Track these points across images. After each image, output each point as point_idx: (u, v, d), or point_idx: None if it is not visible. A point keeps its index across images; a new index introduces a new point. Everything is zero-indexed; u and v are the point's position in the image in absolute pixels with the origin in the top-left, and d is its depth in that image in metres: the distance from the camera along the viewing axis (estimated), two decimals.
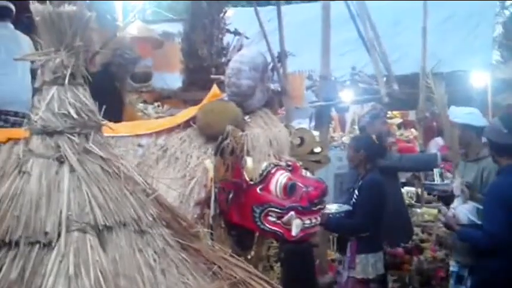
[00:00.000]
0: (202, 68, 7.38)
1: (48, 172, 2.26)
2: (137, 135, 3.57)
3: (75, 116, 2.31)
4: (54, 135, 2.30)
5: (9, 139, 3.81)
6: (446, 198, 5.09)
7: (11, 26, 5.72)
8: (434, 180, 4.54)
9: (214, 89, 3.66)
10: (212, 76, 4.83)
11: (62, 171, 2.26)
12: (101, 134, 2.42)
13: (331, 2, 6.85)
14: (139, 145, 3.53)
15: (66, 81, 2.31)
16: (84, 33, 2.37)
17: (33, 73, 5.23)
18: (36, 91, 2.46)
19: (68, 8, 2.36)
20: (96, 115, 2.40)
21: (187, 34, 7.52)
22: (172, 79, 7.65)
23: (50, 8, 2.32)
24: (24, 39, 5.64)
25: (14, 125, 5.20)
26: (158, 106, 7.13)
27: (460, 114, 4.87)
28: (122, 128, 3.56)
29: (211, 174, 3.19)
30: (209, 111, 3.39)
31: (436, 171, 4.57)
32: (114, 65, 5.79)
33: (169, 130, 3.57)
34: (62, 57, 2.33)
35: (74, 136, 2.30)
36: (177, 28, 8.46)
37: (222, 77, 3.65)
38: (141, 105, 6.93)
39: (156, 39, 7.61)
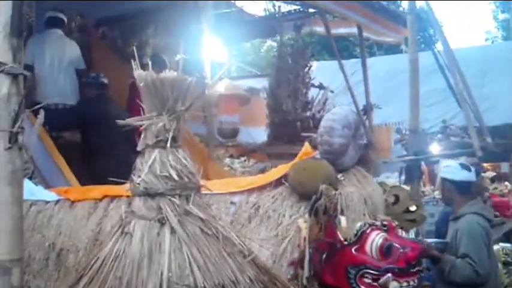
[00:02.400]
0: (287, 122, 7.41)
1: (150, 233, 2.31)
2: (230, 193, 3.60)
3: (176, 178, 2.36)
4: (155, 197, 2.36)
5: (105, 196, 3.97)
6: None
7: (60, 32, 6.68)
8: None
9: (306, 147, 3.66)
10: (303, 134, 4.83)
11: (163, 233, 2.31)
12: (200, 195, 2.46)
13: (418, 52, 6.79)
14: (232, 203, 3.56)
15: (168, 144, 2.38)
16: (185, 97, 2.45)
17: (78, 73, 6.56)
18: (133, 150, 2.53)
19: (169, 73, 2.45)
20: (195, 176, 2.45)
21: (272, 89, 7.60)
22: (258, 133, 7.74)
23: (153, 75, 2.42)
24: (72, 44, 6.77)
25: (62, 112, 6.32)
26: (244, 161, 7.21)
27: (440, 167, 4.60)
28: (215, 186, 3.60)
29: (304, 233, 3.15)
30: (301, 170, 3.38)
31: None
32: None
33: (261, 188, 3.58)
34: (164, 121, 2.41)
35: (175, 198, 2.36)
36: (261, 83, 8.60)
37: (313, 135, 3.64)
38: (227, 160, 7.03)
39: (243, 96, 7.76)
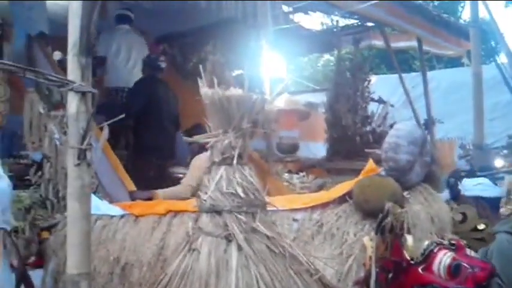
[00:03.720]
0: (347, 137, 7.33)
1: (217, 250, 2.32)
2: (292, 210, 3.57)
3: (242, 195, 2.37)
4: (222, 213, 2.37)
5: (168, 211, 4.01)
6: None
7: (127, 27, 7.37)
8: None
9: (370, 163, 3.60)
10: (366, 150, 4.77)
11: (230, 250, 2.31)
12: (266, 213, 2.45)
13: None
14: (294, 220, 3.53)
15: (235, 161, 2.39)
16: (251, 115, 2.46)
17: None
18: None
19: (235, 91, 2.46)
20: (261, 193, 2.44)
21: (331, 104, 7.54)
22: (317, 148, 7.69)
23: (220, 92, 2.44)
24: (139, 38, 7.46)
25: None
26: (303, 176, 7.17)
27: (469, 187, 4.35)
28: (278, 202, 3.58)
29: (369, 252, 3.09)
30: (366, 187, 3.33)
31: None
32: None
33: (324, 205, 3.54)
34: (230, 139, 2.42)
35: (241, 215, 2.36)
36: (319, 98, 8.56)
37: (377, 151, 3.59)
38: (286, 176, 7.00)
39: (302, 111, 7.73)
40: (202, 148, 5.30)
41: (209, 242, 2.34)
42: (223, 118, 2.44)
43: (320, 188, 6.75)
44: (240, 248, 2.30)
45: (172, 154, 6.55)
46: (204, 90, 2.47)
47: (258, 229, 2.35)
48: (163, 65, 6.76)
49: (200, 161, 5.23)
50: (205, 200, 2.41)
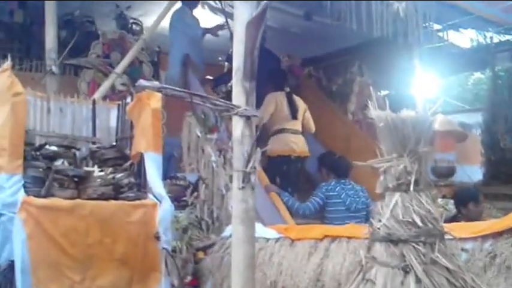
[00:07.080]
0: (505, 160, 6.90)
1: (393, 282, 2.19)
2: (461, 239, 3.33)
3: (420, 224, 2.23)
4: (398, 243, 2.24)
5: (325, 236, 3.93)
6: None
7: None
8: None
9: None
10: None
11: (407, 282, 2.18)
12: (445, 243, 2.29)
13: None
14: (463, 250, 3.29)
15: (411, 188, 2.26)
16: (427, 138, 2.32)
17: None
18: None
19: (409, 112, 2.34)
20: (439, 222, 2.29)
21: (488, 125, 7.14)
22: (472, 172, 7.26)
23: (392, 114, 2.33)
24: None
25: None
26: None
27: None
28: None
29: None
30: None
31: None
32: None
33: (497, 234, 3.27)
34: (405, 163, 2.29)
35: (419, 245, 2.21)
36: (472, 118, 8.13)
37: None
38: (440, 201, 6.67)
39: (460, 132, 7.35)
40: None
41: (384, 273, 2.22)
42: (397, 141, 2.32)
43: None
44: (418, 281, 2.15)
45: None
46: (377, 112, 2.37)
47: (438, 261, 2.19)
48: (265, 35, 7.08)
49: (272, 97, 6.36)
50: (379, 228, 2.29)
